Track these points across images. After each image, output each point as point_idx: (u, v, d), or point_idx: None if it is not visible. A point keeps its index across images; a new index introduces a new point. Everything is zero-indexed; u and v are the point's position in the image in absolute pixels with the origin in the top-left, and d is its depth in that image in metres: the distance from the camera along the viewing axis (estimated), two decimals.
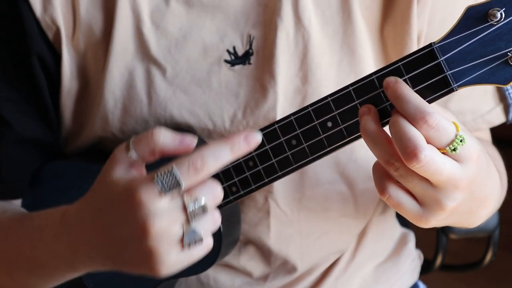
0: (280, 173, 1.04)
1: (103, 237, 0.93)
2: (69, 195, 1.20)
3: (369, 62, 1.15)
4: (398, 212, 0.97)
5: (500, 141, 1.33)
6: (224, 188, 1.07)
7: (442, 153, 0.92)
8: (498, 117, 1.24)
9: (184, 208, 0.90)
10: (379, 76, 0.96)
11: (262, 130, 1.03)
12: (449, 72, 0.93)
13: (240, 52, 1.15)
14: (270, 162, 1.04)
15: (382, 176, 0.95)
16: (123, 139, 1.17)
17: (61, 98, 1.17)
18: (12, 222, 1.10)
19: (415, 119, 0.91)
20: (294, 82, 1.15)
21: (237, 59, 1.15)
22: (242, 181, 1.06)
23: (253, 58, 1.14)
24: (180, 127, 1.17)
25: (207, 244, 0.91)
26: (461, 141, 0.91)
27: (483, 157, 0.96)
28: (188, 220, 0.90)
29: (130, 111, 1.16)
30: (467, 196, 0.95)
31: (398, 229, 1.35)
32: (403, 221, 1.37)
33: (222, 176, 1.07)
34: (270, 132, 1.02)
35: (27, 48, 1.14)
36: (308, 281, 1.26)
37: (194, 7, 1.14)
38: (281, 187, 1.18)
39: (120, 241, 0.92)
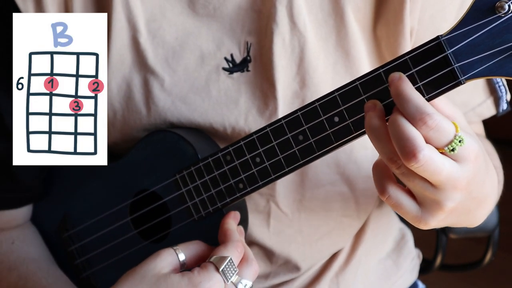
0: (287, 169, 1.04)
1: None
2: (74, 195, 1.19)
3: (363, 63, 1.15)
4: (397, 212, 0.96)
5: (500, 142, 1.33)
6: (230, 185, 1.07)
7: (441, 153, 0.91)
8: (488, 110, 1.25)
9: None
10: (386, 70, 0.95)
11: (268, 126, 1.03)
12: (457, 64, 0.92)
13: (238, 59, 1.14)
14: (277, 158, 1.03)
15: (382, 176, 0.95)
16: (126, 147, 1.17)
17: None
18: None
19: (414, 119, 0.90)
20: (292, 87, 1.14)
21: (235, 66, 1.14)
22: (248, 178, 1.06)
23: (251, 65, 1.14)
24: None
25: None
26: (460, 141, 0.91)
27: (481, 156, 0.95)
28: None
29: (129, 123, 1.15)
30: (465, 196, 0.95)
31: (396, 223, 1.36)
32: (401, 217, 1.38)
33: (228, 172, 1.07)
34: (277, 128, 1.02)
35: None
36: (307, 275, 1.26)
37: (189, 16, 1.13)
38: (282, 188, 1.18)
39: None
